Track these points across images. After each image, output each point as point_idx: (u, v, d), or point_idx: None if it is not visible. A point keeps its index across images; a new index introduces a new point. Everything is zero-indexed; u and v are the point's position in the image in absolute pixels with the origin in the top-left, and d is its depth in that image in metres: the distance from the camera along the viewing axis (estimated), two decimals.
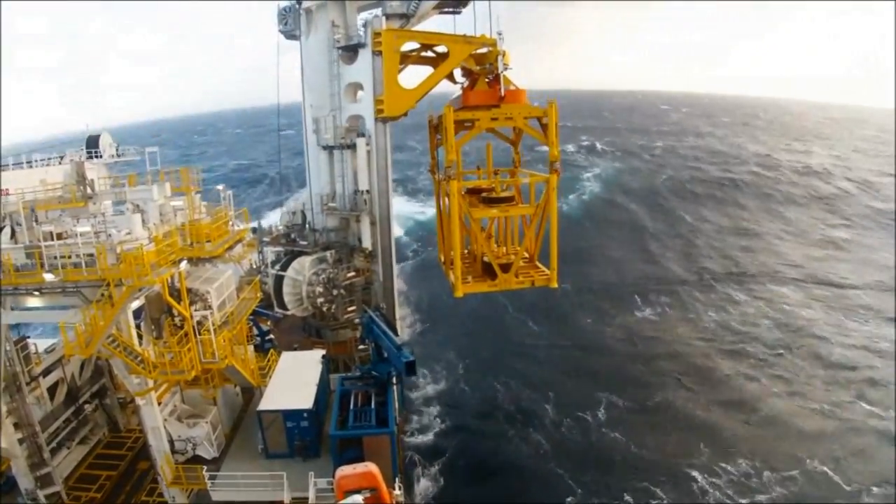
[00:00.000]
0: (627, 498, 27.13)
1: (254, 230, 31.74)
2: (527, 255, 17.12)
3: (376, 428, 19.45)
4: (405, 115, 28.06)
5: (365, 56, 28.06)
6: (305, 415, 20.52)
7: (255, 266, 34.17)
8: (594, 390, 36.51)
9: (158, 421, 19.85)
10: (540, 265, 17.04)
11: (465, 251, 18.11)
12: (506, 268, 16.13)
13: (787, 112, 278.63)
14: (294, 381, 22.61)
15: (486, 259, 16.52)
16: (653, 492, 27.52)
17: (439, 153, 17.38)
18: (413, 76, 26.92)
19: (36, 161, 22.82)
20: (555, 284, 15.96)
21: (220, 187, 25.01)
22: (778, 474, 28.80)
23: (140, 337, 19.38)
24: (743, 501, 27.20)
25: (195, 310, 19.03)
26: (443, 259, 19.25)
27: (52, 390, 22.91)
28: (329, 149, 29.95)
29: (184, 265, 19.75)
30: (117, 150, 24.19)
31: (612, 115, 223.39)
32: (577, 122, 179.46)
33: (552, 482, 28.21)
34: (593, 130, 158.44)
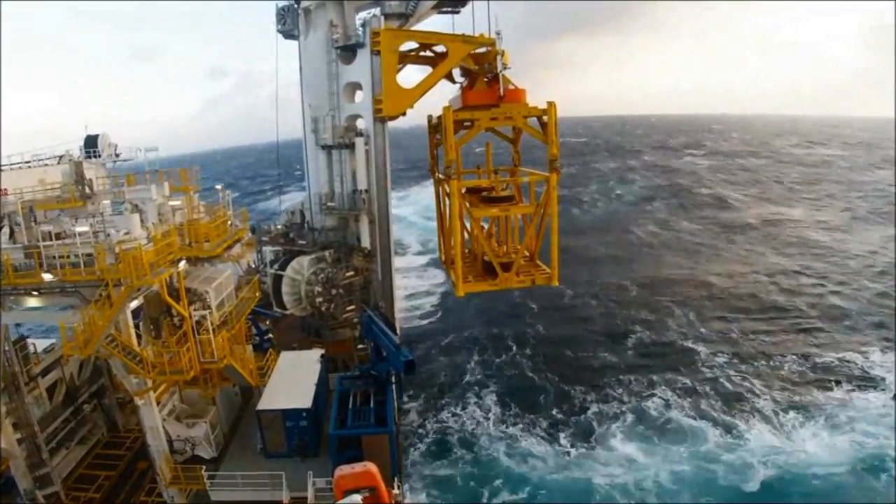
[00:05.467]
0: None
1: (252, 229, 31.70)
2: (527, 253, 17.12)
3: (375, 427, 19.47)
4: (404, 114, 28.09)
5: (363, 56, 28.08)
6: (304, 414, 20.56)
7: (253, 265, 34.12)
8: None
9: (157, 421, 19.82)
10: (541, 264, 17.05)
11: (466, 251, 18.12)
12: (507, 267, 16.13)
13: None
14: (293, 381, 22.65)
15: (486, 258, 16.51)
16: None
17: (438, 153, 17.38)
18: (412, 76, 26.93)
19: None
20: (556, 283, 15.98)
21: (218, 187, 25.07)
22: None
23: (139, 337, 19.36)
24: None
25: (194, 309, 19.02)
26: (443, 259, 19.26)
27: (50, 390, 22.90)
28: (328, 148, 29.95)
29: (182, 265, 19.73)
30: (116, 150, 24.17)
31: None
32: None
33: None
34: None
